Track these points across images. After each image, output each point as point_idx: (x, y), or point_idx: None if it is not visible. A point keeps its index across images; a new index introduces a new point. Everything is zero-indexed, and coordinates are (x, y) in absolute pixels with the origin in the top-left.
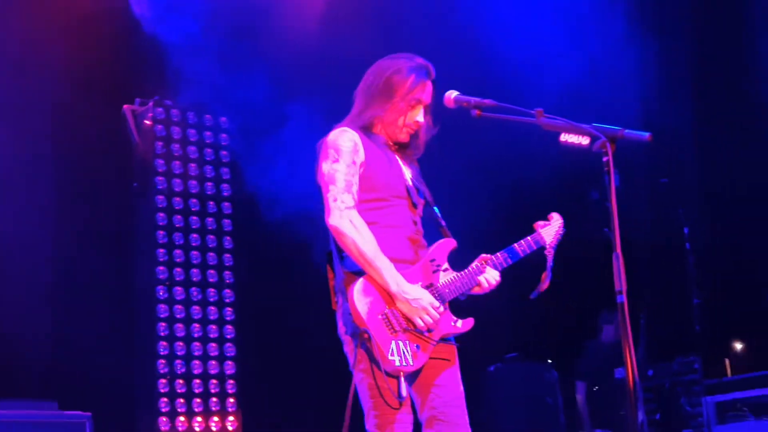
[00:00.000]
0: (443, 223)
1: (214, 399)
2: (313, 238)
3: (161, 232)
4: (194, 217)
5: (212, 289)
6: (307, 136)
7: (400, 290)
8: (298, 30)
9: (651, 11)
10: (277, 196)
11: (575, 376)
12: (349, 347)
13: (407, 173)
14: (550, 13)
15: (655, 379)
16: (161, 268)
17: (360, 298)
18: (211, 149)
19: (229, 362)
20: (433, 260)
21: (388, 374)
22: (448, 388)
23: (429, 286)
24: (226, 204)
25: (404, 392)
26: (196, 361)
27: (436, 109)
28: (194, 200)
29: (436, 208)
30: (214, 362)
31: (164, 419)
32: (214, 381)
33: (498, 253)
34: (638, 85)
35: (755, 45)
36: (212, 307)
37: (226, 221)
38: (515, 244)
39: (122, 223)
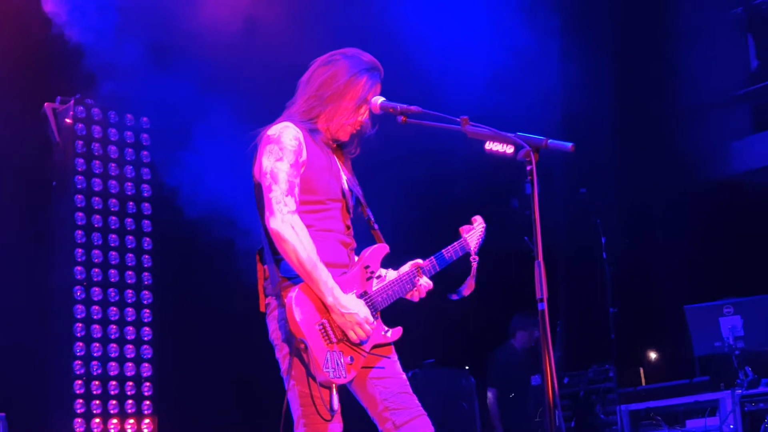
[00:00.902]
0: (376, 226)
1: (130, 401)
2: (234, 240)
3: (80, 232)
4: (113, 218)
5: (130, 291)
6: (229, 137)
7: (337, 303)
8: (219, 29)
9: (573, 24)
10: (197, 197)
11: (487, 383)
12: (281, 353)
13: (343, 175)
14: (468, 23)
15: (570, 387)
16: (79, 268)
17: (297, 306)
18: (131, 149)
19: (146, 364)
20: (367, 267)
21: (321, 385)
22: (392, 379)
23: (363, 294)
24: (146, 205)
25: (336, 404)
26: (113, 363)
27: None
28: (114, 200)
29: (369, 210)
30: (130, 364)
31: (79, 420)
32: (131, 383)
33: (427, 260)
34: (558, 96)
35: (675, 56)
36: (130, 309)
37: (146, 222)
38: (443, 250)
39: (40, 222)
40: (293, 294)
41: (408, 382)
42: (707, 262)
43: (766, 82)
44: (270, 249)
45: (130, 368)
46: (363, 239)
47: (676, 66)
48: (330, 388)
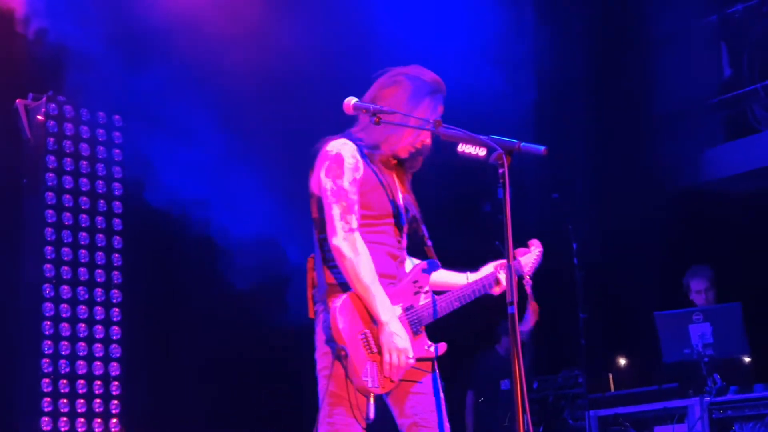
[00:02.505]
0: (429, 243)
1: (98, 400)
2: (206, 240)
3: (50, 230)
4: (84, 215)
5: (100, 289)
6: (203, 135)
7: (390, 322)
8: (193, 26)
9: (548, 29)
10: (169, 196)
11: (467, 386)
12: (320, 352)
13: (399, 192)
14: (443, 28)
15: (539, 392)
16: (48, 266)
17: (342, 314)
18: (103, 147)
19: (114, 363)
20: (415, 281)
21: (359, 391)
22: (427, 396)
23: (409, 308)
24: (117, 203)
25: (372, 414)
26: (81, 362)
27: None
28: (85, 198)
29: (424, 227)
30: (99, 363)
31: (46, 419)
32: (99, 382)
33: (478, 279)
34: (532, 100)
35: (649, 64)
36: (99, 307)
37: (117, 220)
38: (489, 274)
39: (10, 219)
40: (339, 301)
41: (442, 401)
42: (678, 269)
43: (739, 91)
44: (321, 257)
45: (98, 367)
46: (417, 256)
47: (649, 73)
48: (367, 397)
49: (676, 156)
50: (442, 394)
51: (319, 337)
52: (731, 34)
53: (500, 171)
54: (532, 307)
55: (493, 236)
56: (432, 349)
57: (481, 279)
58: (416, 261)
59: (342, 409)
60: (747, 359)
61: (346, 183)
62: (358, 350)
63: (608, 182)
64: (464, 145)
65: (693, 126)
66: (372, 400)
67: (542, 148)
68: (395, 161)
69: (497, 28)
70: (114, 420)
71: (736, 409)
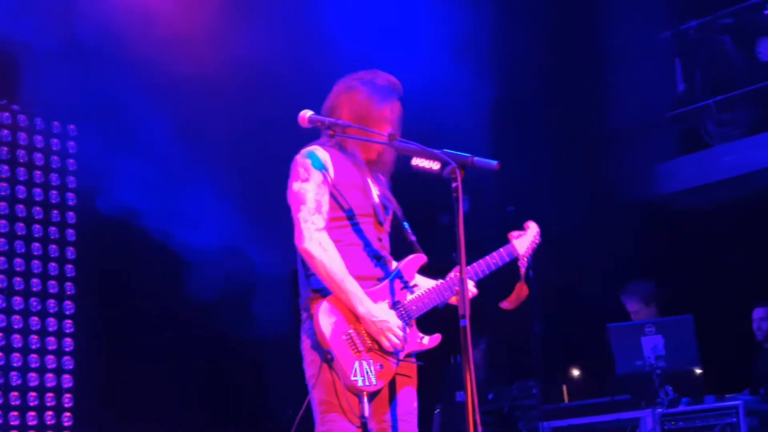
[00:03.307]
0: (413, 238)
1: (50, 413)
2: (161, 251)
3: (2, 240)
4: (37, 226)
5: (53, 300)
6: (159, 145)
7: (368, 312)
8: (148, 37)
9: (503, 44)
10: (124, 207)
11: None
12: (306, 360)
13: (375, 190)
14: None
15: (494, 403)
16: (1, 276)
17: (324, 318)
18: (57, 156)
19: (67, 375)
20: (401, 277)
21: (350, 391)
22: (403, 402)
23: (396, 304)
24: (71, 213)
25: (366, 412)
26: (33, 374)
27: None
28: (38, 208)
29: (406, 223)
30: (51, 375)
31: None
32: (51, 394)
33: (470, 266)
34: (488, 115)
35: (604, 79)
36: (52, 319)
37: (70, 231)
38: (487, 257)
39: None
40: (320, 306)
41: (416, 411)
42: (632, 281)
43: (692, 106)
44: (302, 267)
45: (50, 379)
46: (402, 251)
47: (605, 88)
48: (360, 396)
49: (631, 170)
50: (416, 404)
51: (305, 345)
52: (685, 50)
53: (453, 185)
54: (518, 288)
55: (451, 248)
56: (425, 341)
57: (480, 262)
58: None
59: (334, 414)
60: (698, 371)
61: (312, 185)
62: (344, 351)
63: (564, 195)
64: (418, 158)
65: (647, 140)
66: (365, 398)
67: (495, 162)
68: (368, 162)
69: (454, 40)
70: None
71: (687, 421)
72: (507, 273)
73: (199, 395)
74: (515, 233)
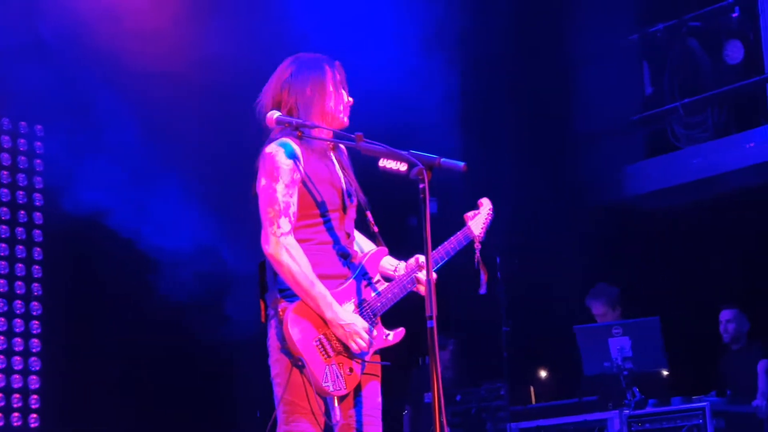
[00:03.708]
0: (375, 229)
1: (17, 414)
2: (130, 251)
3: None
4: (4, 226)
5: (19, 301)
6: (128, 145)
7: (336, 317)
8: (114, 35)
9: (470, 46)
10: (91, 207)
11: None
12: (272, 358)
13: (343, 179)
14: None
15: (462, 404)
16: None
17: (294, 326)
18: (24, 157)
19: (34, 377)
20: (364, 274)
21: (320, 395)
22: (368, 399)
23: (361, 302)
24: (38, 214)
25: (338, 416)
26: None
27: (258, 129)
28: (4, 209)
29: (369, 213)
30: (18, 376)
31: None
32: (18, 395)
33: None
34: (455, 116)
35: (571, 81)
36: (19, 320)
37: (37, 232)
38: (445, 242)
39: None
40: (290, 314)
41: (380, 407)
42: (599, 282)
43: (660, 109)
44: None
45: (17, 380)
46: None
47: (573, 90)
48: (331, 401)
49: (598, 171)
50: (380, 399)
51: (272, 343)
52: (653, 53)
53: (420, 186)
54: (482, 271)
55: (419, 250)
56: (390, 337)
57: (438, 249)
58: (365, 247)
59: (298, 416)
60: (665, 372)
61: (281, 185)
62: (314, 358)
63: (531, 197)
64: (385, 160)
65: (615, 142)
66: (336, 402)
67: (462, 164)
68: (332, 146)
69: (419, 48)
70: None
71: (654, 422)
72: (472, 272)
73: (168, 397)
74: (470, 214)
